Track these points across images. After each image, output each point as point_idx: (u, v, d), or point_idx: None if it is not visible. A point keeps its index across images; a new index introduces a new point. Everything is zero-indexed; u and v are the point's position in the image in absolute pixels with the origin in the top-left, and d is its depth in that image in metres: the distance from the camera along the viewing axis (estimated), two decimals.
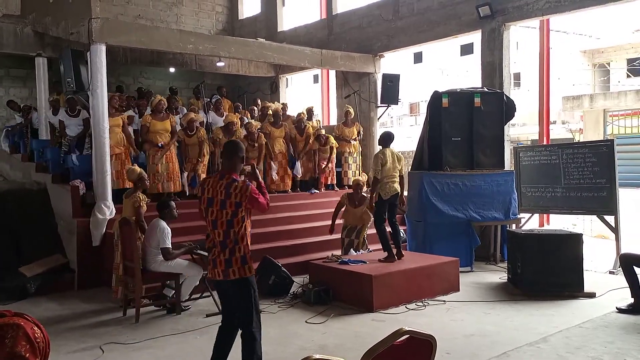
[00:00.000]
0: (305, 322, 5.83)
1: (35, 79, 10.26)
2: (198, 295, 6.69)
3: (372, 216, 7.40)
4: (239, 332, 3.93)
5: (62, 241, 8.09)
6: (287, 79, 14.68)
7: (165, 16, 13.86)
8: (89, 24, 7.50)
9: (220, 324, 4.07)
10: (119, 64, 11.48)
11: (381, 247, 7.20)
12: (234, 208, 3.81)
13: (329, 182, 10.41)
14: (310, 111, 10.86)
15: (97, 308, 6.58)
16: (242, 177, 4.00)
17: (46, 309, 6.59)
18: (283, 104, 11.54)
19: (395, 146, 7.33)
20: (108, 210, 7.61)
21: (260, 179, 4.19)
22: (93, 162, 7.78)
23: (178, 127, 8.84)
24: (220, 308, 4.11)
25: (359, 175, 9.32)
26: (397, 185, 7.04)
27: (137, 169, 6.78)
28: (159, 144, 8.30)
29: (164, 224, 6.17)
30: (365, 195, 7.77)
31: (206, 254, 6.17)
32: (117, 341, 5.32)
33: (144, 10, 13.55)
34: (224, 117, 9.57)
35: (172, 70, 13.01)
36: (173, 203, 6.49)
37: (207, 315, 6.07)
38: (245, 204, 3.83)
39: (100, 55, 7.59)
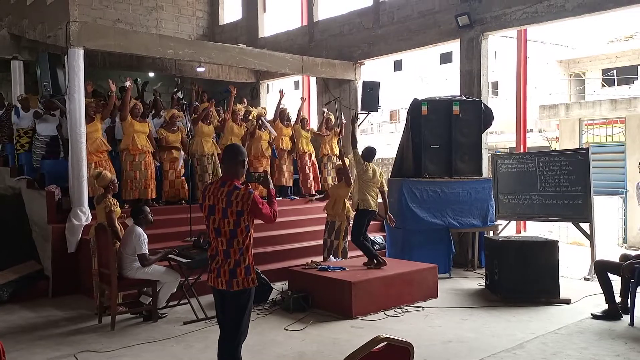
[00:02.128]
0: (284, 329, 5.81)
1: (10, 83, 10.08)
2: (176, 302, 6.60)
3: (347, 214, 7.49)
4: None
5: (36, 247, 7.95)
6: (267, 84, 14.66)
7: (145, 20, 13.74)
8: (66, 27, 7.41)
9: (220, 336, 3.87)
10: (98, 68, 11.34)
11: (362, 254, 7.25)
12: (236, 217, 3.67)
13: (311, 192, 10.31)
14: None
15: (72, 315, 6.47)
16: (249, 185, 3.85)
17: (20, 317, 6.45)
18: (263, 108, 11.52)
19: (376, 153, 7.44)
20: (84, 216, 7.50)
21: (272, 186, 3.98)
22: (69, 167, 7.65)
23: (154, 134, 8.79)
24: (217, 318, 3.95)
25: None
26: (372, 203, 7.21)
27: (108, 174, 6.67)
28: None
29: (139, 229, 6.10)
30: (346, 168, 7.77)
31: (184, 260, 6.16)
32: (92, 349, 5.23)
33: (124, 14, 13.41)
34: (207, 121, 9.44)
35: (151, 75, 12.89)
36: (147, 208, 6.40)
37: (185, 323, 6.01)
38: (248, 212, 3.69)
39: (77, 59, 7.49)
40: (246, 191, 3.69)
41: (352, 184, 7.65)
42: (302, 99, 10.94)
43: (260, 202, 3.72)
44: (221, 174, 4.07)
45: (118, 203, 6.53)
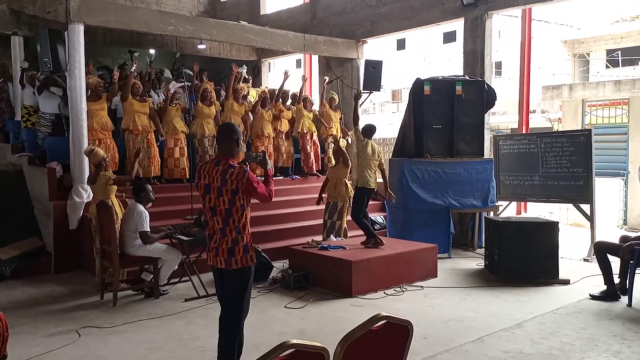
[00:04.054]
0: (284, 307, 5.85)
1: (10, 58, 10.00)
2: (177, 280, 6.66)
3: (349, 194, 7.50)
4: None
5: (38, 224, 7.98)
6: (269, 62, 14.56)
7: None
8: (66, 2, 7.33)
9: (221, 313, 3.91)
10: (98, 44, 11.25)
11: (362, 234, 7.27)
12: (231, 195, 3.66)
13: (313, 171, 10.30)
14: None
15: (74, 291, 6.52)
16: (246, 164, 3.84)
17: (22, 293, 6.51)
18: (266, 87, 11.44)
19: (377, 133, 7.40)
20: (85, 193, 7.51)
21: (270, 167, 3.97)
22: (70, 144, 7.65)
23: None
24: (217, 296, 3.98)
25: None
26: (371, 181, 7.19)
27: (100, 151, 6.64)
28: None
29: (141, 207, 6.11)
30: (342, 150, 7.79)
31: (185, 238, 6.18)
32: (94, 325, 5.28)
33: None
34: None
35: (152, 51, 12.78)
36: (149, 186, 6.42)
37: (186, 300, 6.06)
38: (242, 191, 3.68)
39: (78, 35, 7.43)
40: (241, 170, 3.68)
41: (350, 163, 7.65)
42: (304, 78, 10.86)
43: (255, 181, 3.71)
44: (217, 153, 4.04)
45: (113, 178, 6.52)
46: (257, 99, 10.01)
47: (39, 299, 6.28)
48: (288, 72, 10.36)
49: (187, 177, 8.83)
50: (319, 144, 10.46)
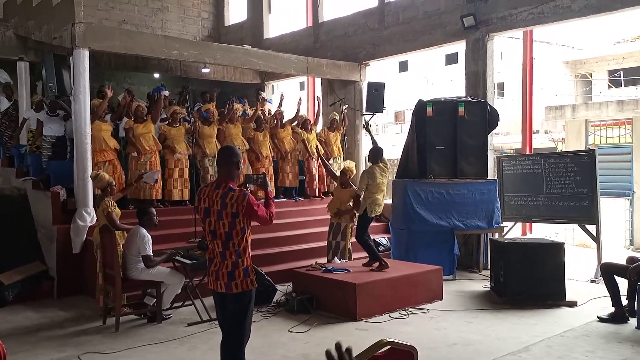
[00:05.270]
0: (288, 331, 5.79)
1: (17, 83, 10.11)
2: (180, 304, 6.61)
3: (354, 218, 7.48)
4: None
5: (41, 248, 7.96)
6: (273, 85, 14.66)
7: (151, 22, 13.77)
8: (72, 28, 7.43)
9: (222, 338, 3.87)
10: (103, 69, 11.37)
11: (366, 255, 7.22)
12: (231, 219, 3.64)
13: (316, 194, 10.25)
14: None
15: (76, 316, 6.48)
16: (250, 186, 3.84)
17: (25, 317, 6.47)
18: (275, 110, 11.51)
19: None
20: (89, 217, 7.51)
21: (270, 189, 3.97)
22: (74, 167, 7.67)
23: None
24: (218, 321, 3.95)
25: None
26: (382, 205, 7.17)
27: (106, 176, 6.68)
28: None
29: (144, 231, 6.09)
30: (351, 185, 7.77)
31: (188, 261, 6.15)
32: (96, 350, 5.23)
33: (129, 15, 13.44)
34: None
35: (156, 75, 12.91)
36: (153, 210, 6.40)
37: (189, 325, 6.01)
38: (243, 214, 3.67)
39: (83, 60, 7.51)
40: (241, 193, 3.67)
41: (352, 187, 7.64)
42: (299, 101, 10.87)
43: (256, 204, 3.70)
44: (217, 177, 4.06)
45: (116, 204, 6.51)
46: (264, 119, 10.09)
47: (41, 324, 6.24)
48: (284, 94, 10.48)
49: (186, 198, 8.82)
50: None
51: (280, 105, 10.41)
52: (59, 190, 7.84)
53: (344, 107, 10.69)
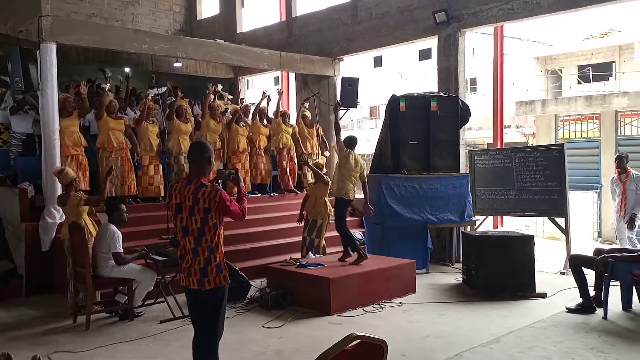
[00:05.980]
0: (262, 326, 5.78)
1: None
2: (152, 301, 6.53)
3: (328, 212, 7.48)
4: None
5: (9, 246, 7.77)
6: (247, 80, 14.57)
7: (121, 15, 13.52)
8: (38, 21, 7.25)
9: (195, 335, 3.82)
10: (72, 63, 11.13)
11: (341, 250, 7.24)
12: (203, 215, 3.61)
13: (289, 187, 10.26)
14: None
15: (46, 315, 6.36)
16: (220, 181, 3.80)
17: None
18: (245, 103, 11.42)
19: (356, 149, 7.44)
20: (58, 214, 7.36)
21: (242, 184, 3.95)
22: (42, 163, 7.51)
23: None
24: (190, 318, 3.90)
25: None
26: (352, 192, 7.21)
27: (71, 172, 6.58)
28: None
29: (113, 227, 6.01)
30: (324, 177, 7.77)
31: (160, 258, 6.09)
32: (67, 349, 5.14)
33: (99, 8, 13.18)
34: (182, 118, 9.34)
35: (127, 70, 12.70)
36: (123, 206, 6.30)
37: (161, 322, 5.95)
38: (215, 210, 3.64)
39: (50, 55, 7.34)
40: (213, 188, 3.64)
41: (328, 181, 7.64)
42: (279, 92, 10.82)
43: (228, 199, 3.67)
44: (188, 173, 4.01)
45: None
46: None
47: (9, 323, 6.10)
48: (267, 92, 10.36)
49: (162, 195, 8.72)
50: (296, 161, 10.43)
51: (260, 102, 10.29)
52: (26, 187, 7.66)
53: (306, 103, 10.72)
